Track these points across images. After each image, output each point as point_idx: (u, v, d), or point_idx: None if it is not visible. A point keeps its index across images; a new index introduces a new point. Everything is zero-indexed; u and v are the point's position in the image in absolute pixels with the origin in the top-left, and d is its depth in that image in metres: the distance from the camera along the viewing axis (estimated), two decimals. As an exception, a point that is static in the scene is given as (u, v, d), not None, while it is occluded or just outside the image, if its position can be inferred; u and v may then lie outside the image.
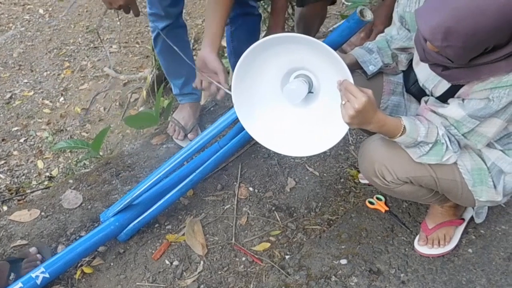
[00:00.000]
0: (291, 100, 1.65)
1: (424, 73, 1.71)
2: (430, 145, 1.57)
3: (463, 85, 1.53)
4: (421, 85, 1.75)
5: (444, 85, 1.62)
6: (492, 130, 1.53)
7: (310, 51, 1.57)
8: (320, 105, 1.72)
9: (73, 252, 1.94)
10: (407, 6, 1.70)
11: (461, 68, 1.46)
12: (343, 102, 1.50)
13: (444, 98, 1.62)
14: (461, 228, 2.06)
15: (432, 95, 1.69)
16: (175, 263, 2.04)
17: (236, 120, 2.30)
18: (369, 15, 1.86)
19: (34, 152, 3.32)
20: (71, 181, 2.46)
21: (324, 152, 2.50)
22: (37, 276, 1.86)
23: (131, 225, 2.08)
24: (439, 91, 1.64)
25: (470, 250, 2.03)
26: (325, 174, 2.43)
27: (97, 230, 2.01)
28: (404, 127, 1.54)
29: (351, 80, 1.50)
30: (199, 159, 2.28)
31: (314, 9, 2.76)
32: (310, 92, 1.69)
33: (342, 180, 2.39)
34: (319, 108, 1.72)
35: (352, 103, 1.46)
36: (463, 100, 1.52)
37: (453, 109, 1.54)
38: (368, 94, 1.47)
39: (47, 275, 1.88)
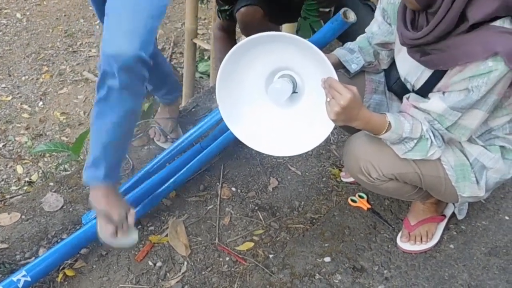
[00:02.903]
0: (276, 100, 1.63)
1: (405, 66, 1.71)
2: (415, 141, 1.56)
3: (442, 75, 1.54)
4: (402, 79, 1.75)
5: (424, 77, 1.62)
6: (475, 122, 1.52)
7: (295, 50, 1.56)
8: (305, 105, 1.70)
9: (55, 255, 1.89)
10: None
11: (439, 52, 1.48)
12: (328, 99, 1.49)
13: (424, 91, 1.62)
14: (443, 224, 2.06)
15: (413, 90, 1.70)
16: (159, 264, 2.00)
17: (218, 122, 2.30)
18: (352, 17, 1.87)
19: (13, 157, 3.27)
20: (51, 184, 2.41)
21: (306, 152, 2.48)
22: (18, 280, 1.81)
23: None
24: (419, 83, 1.65)
25: (451, 246, 2.03)
26: (307, 174, 2.42)
27: (79, 232, 1.96)
28: (389, 124, 1.53)
29: (336, 78, 1.49)
30: (181, 160, 2.27)
31: None
32: (294, 92, 1.68)
33: (324, 179, 2.38)
34: (304, 108, 1.70)
35: (337, 99, 1.45)
36: (443, 93, 1.52)
37: (434, 102, 1.53)
38: (353, 91, 1.46)
39: (28, 279, 1.83)
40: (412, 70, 1.67)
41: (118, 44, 1.54)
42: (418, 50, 1.56)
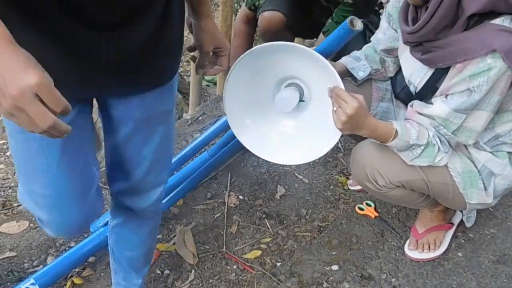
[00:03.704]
0: (283, 109, 1.63)
1: (409, 67, 1.71)
2: (422, 147, 1.56)
3: (442, 75, 1.54)
4: (407, 81, 1.75)
5: (426, 78, 1.63)
6: (480, 123, 1.52)
7: (301, 59, 1.55)
8: (312, 114, 1.70)
9: (63, 263, 1.89)
10: (397, 1, 1.72)
11: (439, 50, 1.49)
12: (335, 108, 1.49)
13: (425, 92, 1.63)
14: (451, 232, 2.05)
15: (415, 92, 1.70)
16: (166, 272, 2.00)
17: (225, 130, 2.30)
18: (359, 25, 1.87)
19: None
20: (59, 192, 2.42)
21: (313, 160, 2.49)
22: None
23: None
24: (421, 84, 1.65)
25: (459, 254, 2.01)
26: (314, 181, 2.41)
27: (87, 240, 1.96)
28: (396, 131, 1.53)
29: (342, 87, 1.49)
30: (189, 168, 2.27)
31: None
32: (301, 100, 1.68)
33: (331, 187, 2.37)
34: (311, 117, 1.70)
35: (344, 108, 1.45)
36: (446, 96, 1.52)
37: (437, 107, 1.53)
38: (359, 99, 1.46)
39: (36, 287, 1.83)
40: (415, 72, 1.67)
41: None
42: (419, 49, 1.57)
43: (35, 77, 0.77)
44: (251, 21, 2.70)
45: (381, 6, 2.60)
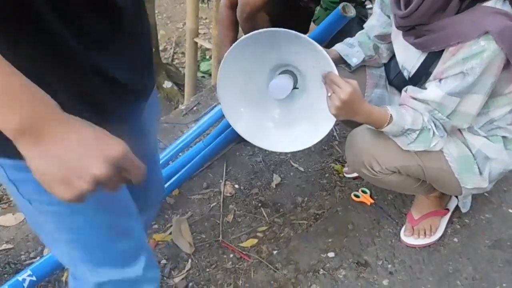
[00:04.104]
0: (277, 96, 1.61)
1: (402, 52, 1.70)
2: (417, 132, 1.55)
3: (436, 59, 1.54)
4: (400, 67, 1.74)
5: (419, 62, 1.62)
6: (475, 107, 1.52)
7: (295, 46, 1.54)
8: (306, 100, 1.68)
9: None
10: None
11: (432, 33, 1.48)
12: (329, 94, 1.48)
13: (419, 76, 1.62)
14: (446, 218, 2.04)
15: (409, 78, 1.69)
16: (163, 262, 1.99)
17: (220, 119, 2.29)
18: (351, 11, 1.86)
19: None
20: (55, 184, 2.41)
21: (308, 148, 2.44)
22: (24, 280, 1.79)
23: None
24: (415, 69, 1.64)
25: (455, 240, 2.01)
26: (310, 170, 2.40)
27: None
28: (391, 116, 1.51)
29: (336, 73, 1.48)
30: (184, 158, 2.26)
31: None
32: (295, 87, 1.67)
33: (327, 175, 2.36)
34: (305, 103, 1.68)
35: (338, 94, 1.44)
36: (440, 80, 1.51)
37: (431, 91, 1.52)
38: (353, 85, 1.45)
39: (34, 278, 1.82)
40: (408, 57, 1.66)
41: None
42: (412, 33, 1.56)
43: (118, 147, 0.71)
44: (235, 6, 2.62)
45: None
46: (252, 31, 1.53)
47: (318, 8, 2.32)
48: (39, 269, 1.84)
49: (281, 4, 2.51)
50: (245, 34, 1.89)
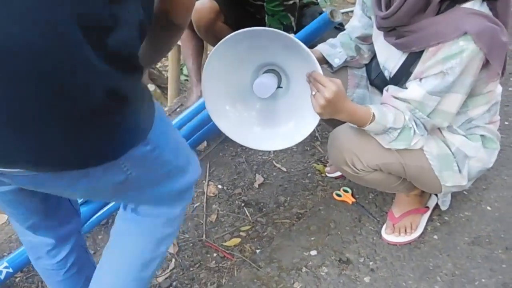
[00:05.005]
0: (261, 94, 1.60)
1: (383, 52, 1.71)
2: (399, 131, 1.55)
3: (416, 59, 1.55)
4: (381, 67, 1.75)
5: (400, 62, 1.63)
6: (454, 105, 1.53)
7: (279, 45, 1.53)
8: (290, 99, 1.68)
9: None
10: None
11: (412, 34, 1.50)
12: (313, 93, 1.48)
13: (400, 76, 1.63)
14: (426, 215, 2.05)
15: (390, 78, 1.70)
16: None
17: (197, 113, 2.25)
18: (339, 16, 1.87)
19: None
20: (38, 185, 2.39)
21: (291, 148, 2.48)
22: (0, 271, 1.78)
23: (94, 217, 2.00)
24: (396, 69, 1.65)
25: (435, 237, 2.02)
26: (292, 170, 2.40)
27: None
28: (374, 115, 1.52)
29: (320, 72, 1.48)
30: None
31: None
32: (279, 86, 1.67)
33: (309, 174, 2.36)
34: (289, 102, 1.68)
35: (322, 92, 1.44)
36: (420, 80, 1.52)
37: (412, 90, 1.53)
38: (337, 83, 1.45)
39: (10, 270, 1.80)
40: (389, 57, 1.67)
41: None
42: (393, 33, 1.57)
43: None
44: (191, 24, 2.54)
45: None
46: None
47: (266, 16, 2.30)
48: (16, 260, 1.82)
49: (234, 9, 2.49)
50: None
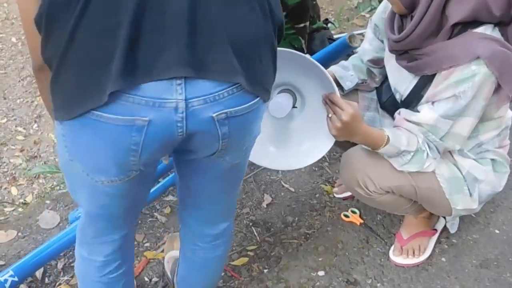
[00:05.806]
0: (277, 114, 1.59)
1: (395, 75, 1.72)
2: (412, 154, 1.55)
3: (428, 82, 1.55)
4: (392, 89, 1.75)
5: (412, 85, 1.63)
6: (466, 129, 1.53)
7: (295, 66, 1.54)
8: (304, 120, 1.68)
9: (41, 254, 1.84)
10: (383, 13, 1.73)
11: (424, 57, 1.51)
12: (330, 115, 1.49)
13: (411, 99, 1.63)
14: (434, 238, 2.04)
15: (401, 101, 1.71)
16: (154, 279, 1.96)
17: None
18: (357, 42, 1.89)
19: (7, 179, 3.21)
20: (48, 201, 2.37)
21: (299, 169, 2.48)
22: (5, 280, 1.75)
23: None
24: (407, 92, 1.66)
25: (443, 259, 2.01)
26: (300, 190, 2.39)
27: (66, 231, 1.89)
28: (388, 137, 1.52)
29: (337, 94, 1.49)
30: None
31: None
32: (294, 106, 1.67)
33: (317, 195, 2.36)
34: (303, 123, 1.68)
35: (339, 115, 1.45)
36: (432, 103, 1.53)
37: (425, 113, 1.53)
38: (354, 106, 1.46)
39: (15, 279, 1.77)
40: (401, 80, 1.68)
41: None
42: (405, 56, 1.58)
43: None
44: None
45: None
46: None
47: None
48: (21, 269, 1.80)
49: None
50: None
